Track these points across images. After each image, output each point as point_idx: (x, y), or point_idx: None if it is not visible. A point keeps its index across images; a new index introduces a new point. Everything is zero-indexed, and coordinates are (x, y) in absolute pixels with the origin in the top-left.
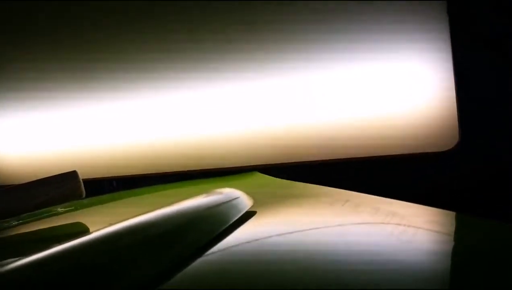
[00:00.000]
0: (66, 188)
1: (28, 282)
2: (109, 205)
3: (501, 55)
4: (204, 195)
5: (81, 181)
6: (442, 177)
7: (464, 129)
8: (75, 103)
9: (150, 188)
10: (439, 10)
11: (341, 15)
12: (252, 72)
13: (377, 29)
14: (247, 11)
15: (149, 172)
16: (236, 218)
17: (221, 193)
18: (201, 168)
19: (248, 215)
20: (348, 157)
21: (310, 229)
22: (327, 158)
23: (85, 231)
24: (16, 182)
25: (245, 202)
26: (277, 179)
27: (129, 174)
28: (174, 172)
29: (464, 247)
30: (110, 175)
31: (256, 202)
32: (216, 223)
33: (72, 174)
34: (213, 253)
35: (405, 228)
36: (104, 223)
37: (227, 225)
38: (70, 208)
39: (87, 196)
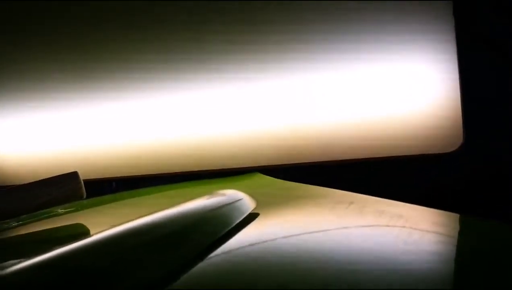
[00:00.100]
0: (67, 189)
1: (32, 285)
2: (110, 206)
3: (501, 55)
4: (206, 196)
5: (82, 181)
6: (445, 178)
7: (465, 130)
8: (75, 104)
9: (151, 189)
10: (444, 11)
11: (345, 16)
12: (254, 73)
13: (381, 30)
14: (249, 11)
15: (150, 173)
16: (239, 220)
17: (223, 194)
18: (202, 169)
19: (251, 217)
20: (353, 158)
21: (314, 231)
22: (330, 159)
23: (86, 232)
24: (17, 183)
25: (248, 204)
26: (279, 180)
27: (130, 175)
28: (175, 173)
29: (470, 250)
30: (111, 176)
31: (259, 203)
32: (220, 225)
33: (73, 175)
34: (217, 255)
35: (411, 231)
36: (105, 224)
37: (230, 227)
38: (71, 209)
39: (87, 197)
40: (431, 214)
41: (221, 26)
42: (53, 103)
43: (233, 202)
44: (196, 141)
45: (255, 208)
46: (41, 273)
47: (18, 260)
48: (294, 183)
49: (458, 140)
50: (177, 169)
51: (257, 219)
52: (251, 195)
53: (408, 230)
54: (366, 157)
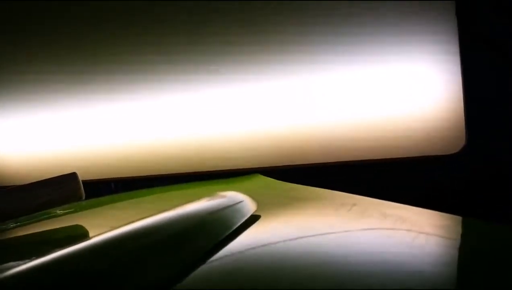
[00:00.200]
0: (66, 189)
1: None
2: (109, 207)
3: (501, 55)
4: (207, 198)
5: (81, 182)
6: (447, 179)
7: (468, 130)
8: (75, 105)
9: (150, 190)
10: (447, 12)
11: (347, 17)
12: (256, 74)
13: (383, 32)
14: (249, 12)
15: (149, 174)
16: (240, 222)
17: (224, 196)
18: (202, 170)
19: (252, 220)
20: (355, 160)
21: (318, 235)
22: (333, 161)
23: (84, 234)
24: (16, 183)
25: (249, 206)
26: (280, 181)
27: (130, 176)
28: (175, 174)
29: (475, 254)
30: (110, 177)
31: (260, 206)
32: (221, 228)
33: (72, 176)
34: (218, 259)
35: (416, 235)
36: (104, 226)
37: (232, 230)
38: (70, 210)
39: (86, 198)
40: (434, 217)
41: (221, 27)
42: (52, 104)
43: (234, 204)
44: (197, 142)
45: (256, 211)
46: (42, 277)
47: (18, 262)
48: (295, 184)
49: (461, 141)
50: (177, 170)
51: (258, 221)
52: (252, 197)
53: (412, 234)
54: (369, 158)
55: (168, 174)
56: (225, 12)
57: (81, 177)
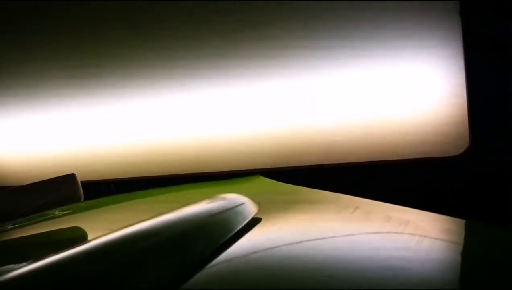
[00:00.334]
0: (64, 191)
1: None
2: (108, 209)
3: (501, 55)
4: (208, 200)
5: (80, 184)
6: (450, 180)
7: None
8: (74, 105)
9: (150, 192)
10: (451, 13)
11: (350, 18)
12: (257, 75)
13: (385, 33)
14: (249, 12)
15: (149, 175)
16: (241, 225)
17: (225, 198)
18: (203, 171)
19: (253, 222)
20: (358, 161)
21: (321, 238)
22: (336, 162)
23: (83, 235)
24: (16, 183)
25: (250, 208)
26: (281, 183)
27: (129, 176)
28: (176, 175)
29: (479, 257)
30: (109, 178)
31: (261, 208)
32: (222, 231)
33: (70, 177)
34: (220, 262)
35: (420, 238)
36: (103, 228)
37: (233, 232)
38: (68, 211)
39: (85, 199)
40: (437, 220)
41: (221, 27)
42: (52, 105)
43: (235, 207)
44: (197, 143)
45: (257, 213)
46: (42, 279)
47: (17, 264)
48: (296, 186)
49: (464, 143)
50: (177, 171)
51: (259, 224)
52: (253, 199)
53: (416, 237)
54: (373, 160)
55: (168, 175)
56: (225, 12)
57: (80, 177)
